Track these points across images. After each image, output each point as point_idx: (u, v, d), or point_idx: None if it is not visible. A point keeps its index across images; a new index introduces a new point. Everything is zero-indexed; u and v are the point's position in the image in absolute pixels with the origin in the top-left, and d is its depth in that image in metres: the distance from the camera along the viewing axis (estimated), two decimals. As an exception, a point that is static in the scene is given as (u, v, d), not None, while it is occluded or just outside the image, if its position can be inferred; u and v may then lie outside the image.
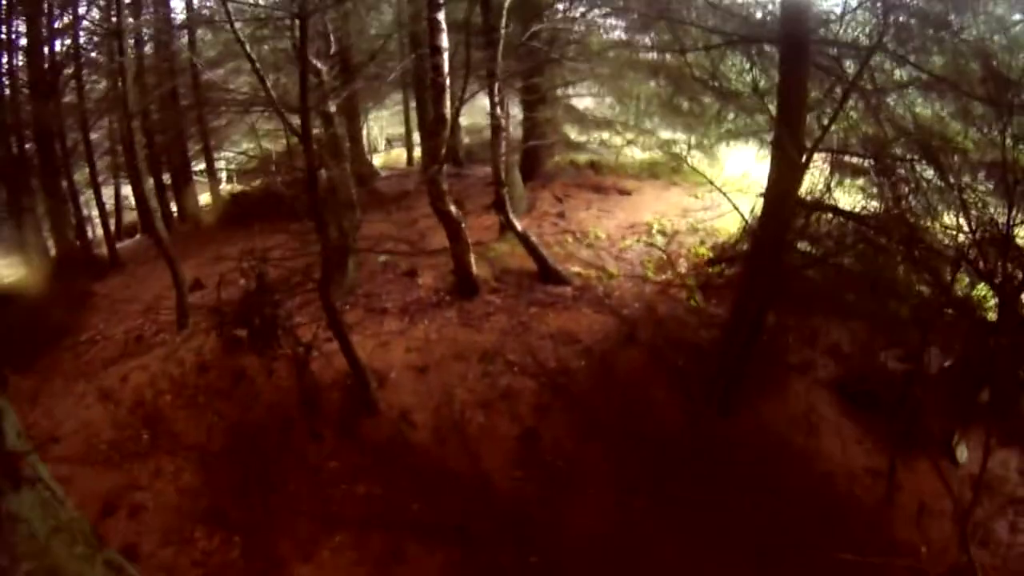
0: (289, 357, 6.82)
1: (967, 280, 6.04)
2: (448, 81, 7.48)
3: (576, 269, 8.70)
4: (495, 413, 6.67)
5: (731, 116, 8.77)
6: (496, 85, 8.05)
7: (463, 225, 7.75)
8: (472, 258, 8.03)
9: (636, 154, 12.03)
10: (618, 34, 10.99)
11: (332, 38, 7.70)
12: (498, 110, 8.19)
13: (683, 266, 8.88)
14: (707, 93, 8.58)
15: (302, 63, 5.34)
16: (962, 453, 6.40)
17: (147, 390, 6.97)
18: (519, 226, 8.27)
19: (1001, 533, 5.69)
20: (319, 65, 7.41)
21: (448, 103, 7.53)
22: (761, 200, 6.55)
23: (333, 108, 7.97)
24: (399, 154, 13.35)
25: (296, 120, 5.62)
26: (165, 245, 8.36)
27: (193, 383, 6.95)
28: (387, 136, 13.16)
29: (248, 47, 5.51)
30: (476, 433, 6.50)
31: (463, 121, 12.39)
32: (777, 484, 5.99)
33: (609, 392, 6.94)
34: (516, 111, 10.74)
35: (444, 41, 7.34)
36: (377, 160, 12.55)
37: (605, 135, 11.68)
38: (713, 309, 7.94)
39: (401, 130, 13.27)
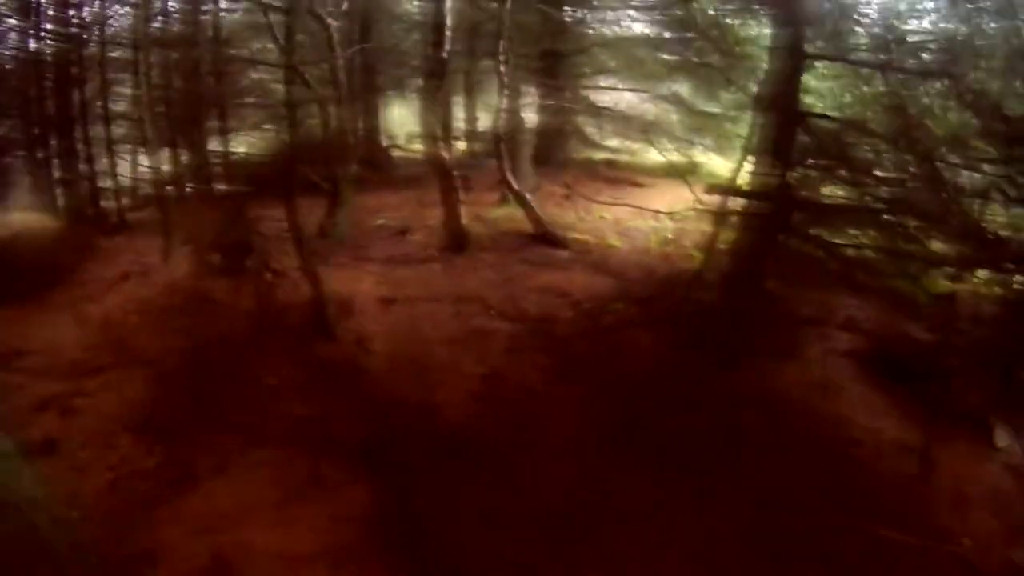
0: (256, 281, 6.61)
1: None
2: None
3: (576, 236, 8.38)
4: (461, 351, 6.24)
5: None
6: (502, 44, 8.03)
7: (454, 174, 7.58)
8: (464, 211, 7.81)
9: (653, 155, 11.86)
10: (639, 28, 11.07)
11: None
12: (503, 73, 8.16)
13: (690, 241, 8.41)
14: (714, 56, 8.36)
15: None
16: (1001, 438, 5.52)
17: (116, 313, 6.91)
18: (516, 186, 8.05)
19: None
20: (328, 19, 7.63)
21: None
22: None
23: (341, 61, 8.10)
24: (416, 150, 13.65)
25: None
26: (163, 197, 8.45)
27: (160, 305, 6.85)
28: (408, 133, 13.37)
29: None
30: (436, 367, 6.06)
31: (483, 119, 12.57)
32: (788, 445, 5.23)
33: (591, 340, 6.43)
34: (533, 99, 10.73)
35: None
36: (397, 153, 12.80)
37: (622, 132, 11.58)
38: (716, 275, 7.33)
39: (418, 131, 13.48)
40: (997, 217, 5.43)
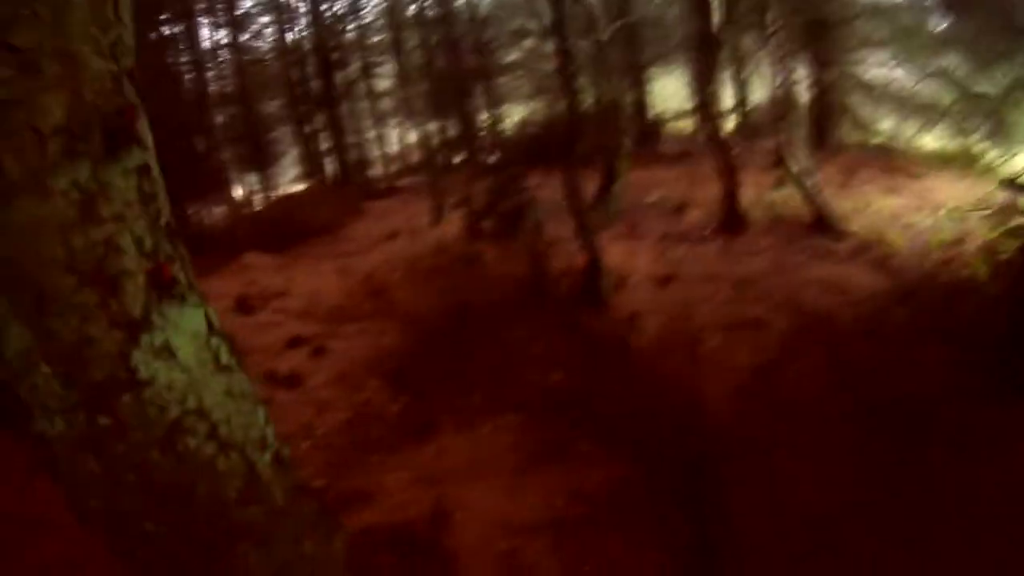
0: (528, 247, 6.67)
1: None
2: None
3: (855, 228, 7.64)
4: (735, 339, 5.82)
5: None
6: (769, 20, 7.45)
7: (732, 151, 7.16)
8: (741, 192, 7.42)
9: (928, 142, 10.51)
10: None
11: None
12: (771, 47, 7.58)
13: (972, 247, 7.36)
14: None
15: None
16: None
17: (382, 267, 7.39)
18: (797, 167, 7.43)
19: None
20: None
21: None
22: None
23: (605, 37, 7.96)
24: (686, 126, 13.46)
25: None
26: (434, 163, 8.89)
27: (427, 264, 7.21)
28: (675, 110, 13.10)
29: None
30: (708, 354, 5.71)
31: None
32: None
33: (869, 346, 5.73)
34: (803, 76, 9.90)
35: None
36: (665, 130, 12.61)
37: (897, 117, 10.36)
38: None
39: (689, 105, 13.19)
40: None
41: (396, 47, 11.28)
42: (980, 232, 7.65)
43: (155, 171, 1.84)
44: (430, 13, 11.89)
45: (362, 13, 12.27)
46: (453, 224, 7.99)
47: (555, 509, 4.19)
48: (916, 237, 7.72)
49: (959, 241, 7.53)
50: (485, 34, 11.10)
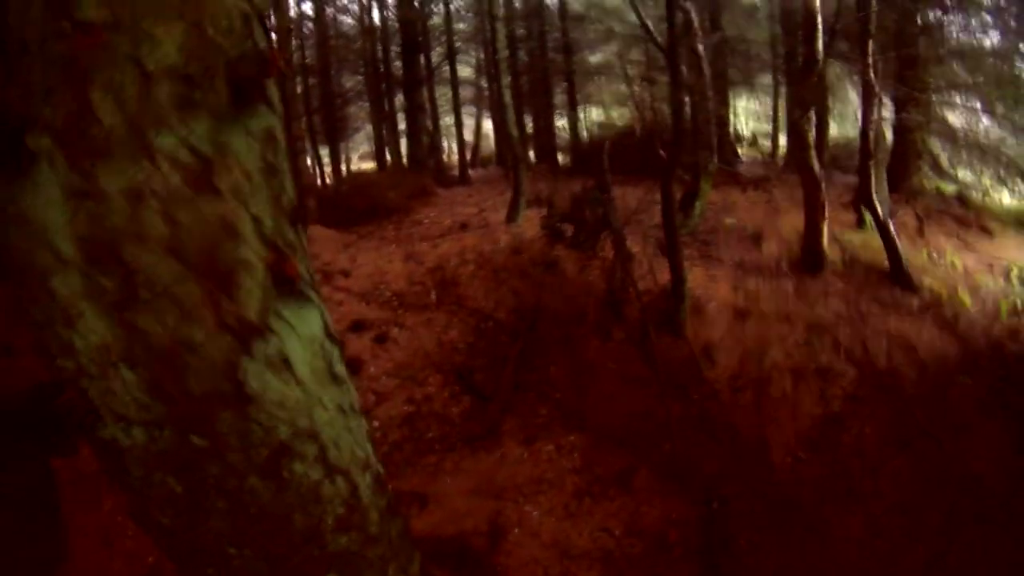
0: (607, 259, 6.68)
1: None
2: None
3: (928, 282, 7.51)
4: (804, 386, 5.85)
5: None
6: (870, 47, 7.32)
7: (822, 186, 7.07)
8: (825, 229, 7.34)
9: (1006, 197, 10.25)
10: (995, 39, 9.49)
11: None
12: (872, 76, 7.44)
13: None
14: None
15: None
16: None
17: (453, 258, 7.35)
18: (881, 212, 7.33)
19: None
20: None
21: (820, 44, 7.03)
22: None
23: (702, 48, 7.91)
24: (764, 148, 13.23)
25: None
26: (515, 157, 8.83)
27: (501, 262, 7.19)
28: (753, 131, 12.92)
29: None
30: (776, 396, 5.73)
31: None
32: None
33: (936, 413, 5.74)
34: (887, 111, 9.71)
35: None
36: (740, 151, 12.43)
37: (977, 166, 10.12)
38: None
39: (767, 127, 12.98)
40: None
41: (482, 36, 11.23)
42: None
43: (281, 139, 1.50)
44: (519, 5, 11.87)
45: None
46: (529, 223, 7.94)
47: (610, 540, 4.28)
48: (985, 299, 7.62)
49: None
50: (573, 32, 11.01)
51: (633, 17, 7.72)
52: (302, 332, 1.54)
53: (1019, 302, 7.61)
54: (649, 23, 6.94)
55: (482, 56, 12.02)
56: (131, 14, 1.22)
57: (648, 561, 4.17)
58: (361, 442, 1.78)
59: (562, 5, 11.26)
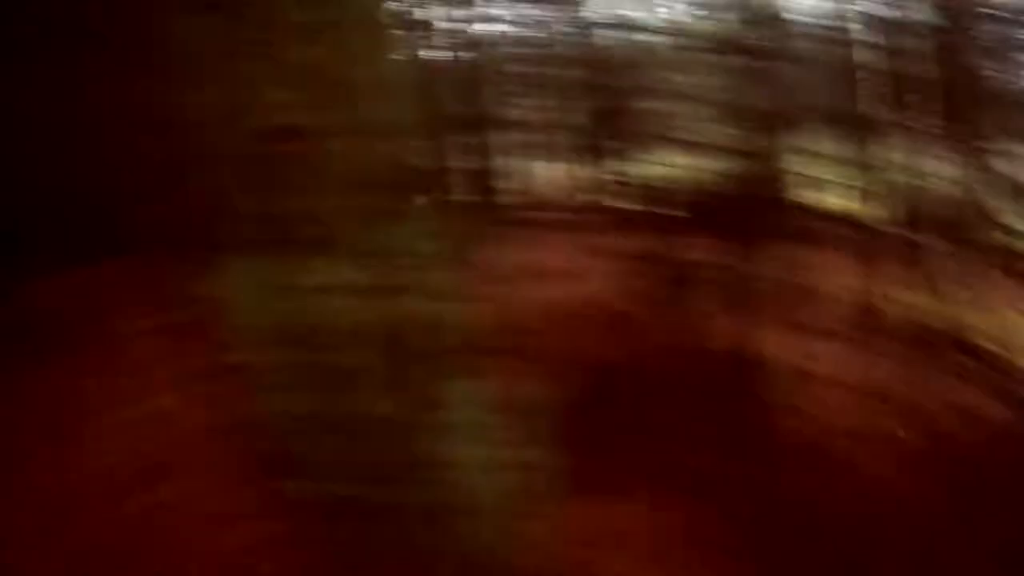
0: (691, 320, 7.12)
1: None
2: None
3: (990, 347, 7.79)
4: (863, 451, 6.14)
5: None
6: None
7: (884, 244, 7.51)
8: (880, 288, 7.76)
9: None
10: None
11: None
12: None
13: None
14: None
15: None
16: None
17: (522, 303, 7.42)
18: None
19: None
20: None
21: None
22: None
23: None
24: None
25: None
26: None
27: (574, 311, 7.49)
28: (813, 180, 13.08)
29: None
30: (840, 460, 6.02)
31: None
32: None
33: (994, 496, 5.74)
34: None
35: None
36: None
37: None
38: None
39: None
40: None
41: (543, 76, 11.54)
42: None
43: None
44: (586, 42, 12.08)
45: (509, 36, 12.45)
46: (603, 273, 8.14)
47: None
48: None
49: None
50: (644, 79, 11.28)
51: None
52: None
53: None
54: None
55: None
56: (336, 124, 1.36)
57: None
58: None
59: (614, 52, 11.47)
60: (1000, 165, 10.44)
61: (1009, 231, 10.29)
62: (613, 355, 7.00)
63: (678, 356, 6.92)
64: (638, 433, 6.08)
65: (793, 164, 12.15)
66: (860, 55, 7.73)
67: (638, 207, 10.19)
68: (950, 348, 7.63)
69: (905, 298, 8.30)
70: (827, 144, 9.94)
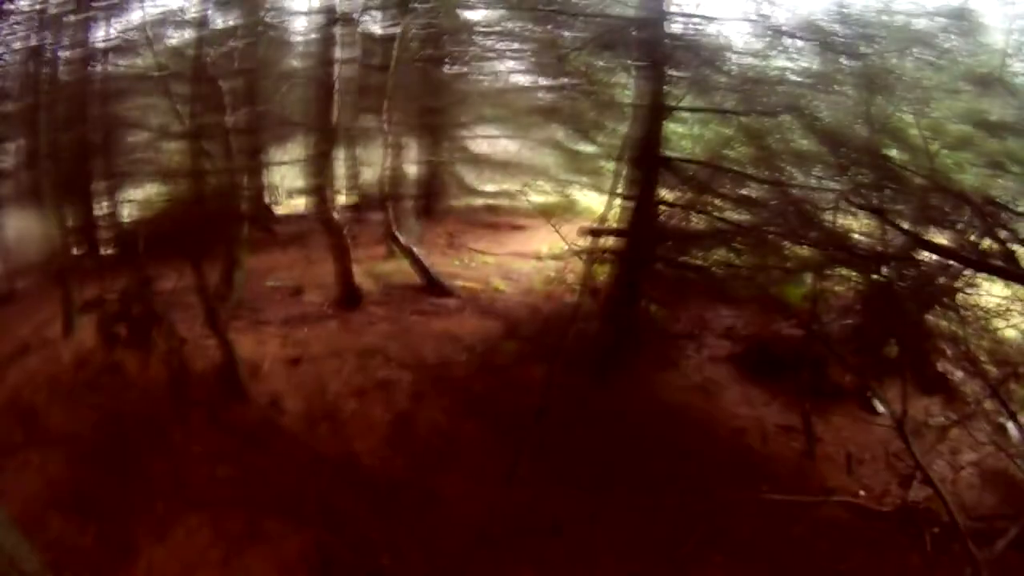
0: (165, 350, 6.97)
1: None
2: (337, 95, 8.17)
3: (463, 283, 9.22)
4: (369, 401, 6.85)
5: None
6: (386, 104, 8.77)
7: (344, 233, 8.23)
8: (354, 267, 8.46)
9: (531, 198, 12.87)
10: (515, 79, 12.16)
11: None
12: (387, 132, 8.91)
13: (571, 277, 9.35)
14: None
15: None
16: (879, 404, 6.47)
17: (24, 389, 6.96)
18: (403, 240, 8.82)
19: (942, 472, 5.80)
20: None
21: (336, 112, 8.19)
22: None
23: (231, 124, 8.57)
24: (300, 204, 13.99)
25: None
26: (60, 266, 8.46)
27: (69, 379, 7.00)
28: (289, 188, 13.75)
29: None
30: (348, 419, 6.64)
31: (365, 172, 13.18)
32: (674, 442, 6.11)
33: (487, 378, 7.23)
34: (414, 152, 11.54)
35: (337, 53, 8.19)
36: (279, 209, 13.10)
37: (502, 179, 12.54)
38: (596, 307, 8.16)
39: (303, 183, 13.76)
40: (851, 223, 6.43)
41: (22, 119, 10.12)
42: (577, 266, 9.14)
43: None
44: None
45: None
46: (87, 331, 7.64)
47: None
48: (520, 281, 9.52)
49: (559, 277, 9.38)
50: (110, 107, 10.58)
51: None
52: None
53: (552, 273, 9.74)
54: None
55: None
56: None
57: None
58: (31, 551, 1.88)
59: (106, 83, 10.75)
60: (464, 143, 12.57)
61: (470, 190, 12.46)
62: (114, 408, 6.75)
63: (169, 388, 6.84)
64: (159, 474, 5.98)
65: (271, 175, 13.08)
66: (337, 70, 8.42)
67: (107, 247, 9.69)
68: (425, 296, 8.72)
69: (377, 269, 9.31)
70: (303, 151, 10.80)
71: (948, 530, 4.99)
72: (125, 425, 6.48)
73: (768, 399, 6.73)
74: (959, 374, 6.93)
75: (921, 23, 6.35)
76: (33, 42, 10.25)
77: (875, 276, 6.34)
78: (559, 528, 5.40)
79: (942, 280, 6.25)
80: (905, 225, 5.84)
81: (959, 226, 5.83)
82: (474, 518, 5.52)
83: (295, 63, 13.08)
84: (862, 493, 5.64)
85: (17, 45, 10.66)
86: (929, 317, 6.51)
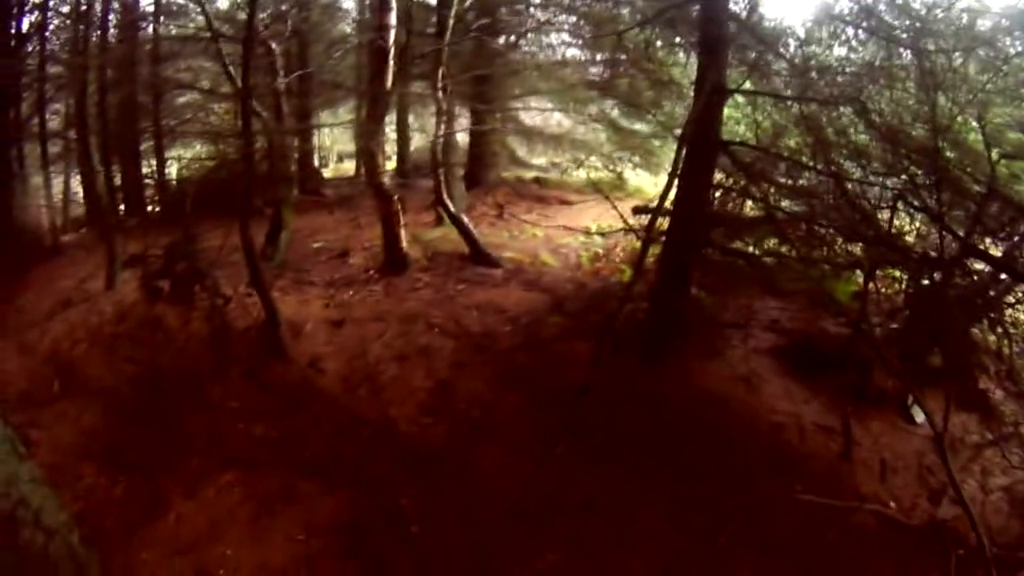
0: (206, 306, 6.84)
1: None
2: (392, 61, 7.91)
3: (510, 255, 8.94)
4: (410, 366, 6.63)
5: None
6: (440, 72, 8.50)
7: (395, 198, 8.01)
8: (403, 233, 8.26)
9: (581, 173, 12.59)
10: (570, 52, 11.83)
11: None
12: (441, 100, 8.63)
13: (619, 256, 9.14)
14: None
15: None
16: (918, 414, 6.10)
17: (64, 341, 6.91)
18: (452, 208, 8.55)
19: (972, 491, 5.43)
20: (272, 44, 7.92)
21: (390, 78, 7.94)
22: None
23: (283, 86, 8.40)
24: (349, 167, 13.91)
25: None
26: (107, 222, 8.48)
27: (109, 332, 6.91)
28: (339, 152, 13.68)
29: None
30: (388, 383, 6.42)
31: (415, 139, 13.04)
32: (715, 431, 5.82)
33: (530, 351, 6.94)
34: (465, 122, 11.30)
35: (392, 20, 7.84)
36: (328, 172, 13.05)
37: (552, 153, 12.27)
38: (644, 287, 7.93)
39: (353, 147, 13.75)
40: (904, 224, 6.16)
41: (73, 84, 10.20)
42: (626, 245, 9.27)
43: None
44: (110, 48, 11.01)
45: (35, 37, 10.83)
46: (129, 286, 7.64)
47: (300, 546, 4.70)
48: (568, 256, 9.27)
49: (607, 255, 9.13)
50: (159, 69, 10.64)
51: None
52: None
53: (600, 250, 9.45)
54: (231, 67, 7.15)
55: (71, 105, 10.81)
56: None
57: (339, 551, 4.68)
58: (59, 506, 2.09)
59: (156, 45, 10.83)
60: (515, 115, 12.28)
61: (522, 163, 12.19)
62: (154, 362, 6.64)
63: (220, 343, 6.74)
64: (195, 430, 5.88)
65: (322, 137, 13.07)
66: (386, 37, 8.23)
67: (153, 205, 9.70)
68: (472, 265, 8.47)
69: (425, 236, 9.09)
70: (354, 116, 10.69)
71: (974, 553, 4.65)
72: (163, 380, 6.40)
73: (808, 396, 6.35)
74: (999, 392, 6.41)
75: (986, 24, 5.81)
76: (82, 5, 10.33)
77: (925, 281, 5.97)
78: (594, 508, 5.10)
79: (991, 293, 5.83)
80: (960, 232, 5.42)
81: (1016, 239, 5.46)
82: (509, 492, 5.24)
83: (348, 28, 13.08)
84: (892, 504, 5.27)
85: (66, 8, 10.82)
86: (975, 330, 6.08)
